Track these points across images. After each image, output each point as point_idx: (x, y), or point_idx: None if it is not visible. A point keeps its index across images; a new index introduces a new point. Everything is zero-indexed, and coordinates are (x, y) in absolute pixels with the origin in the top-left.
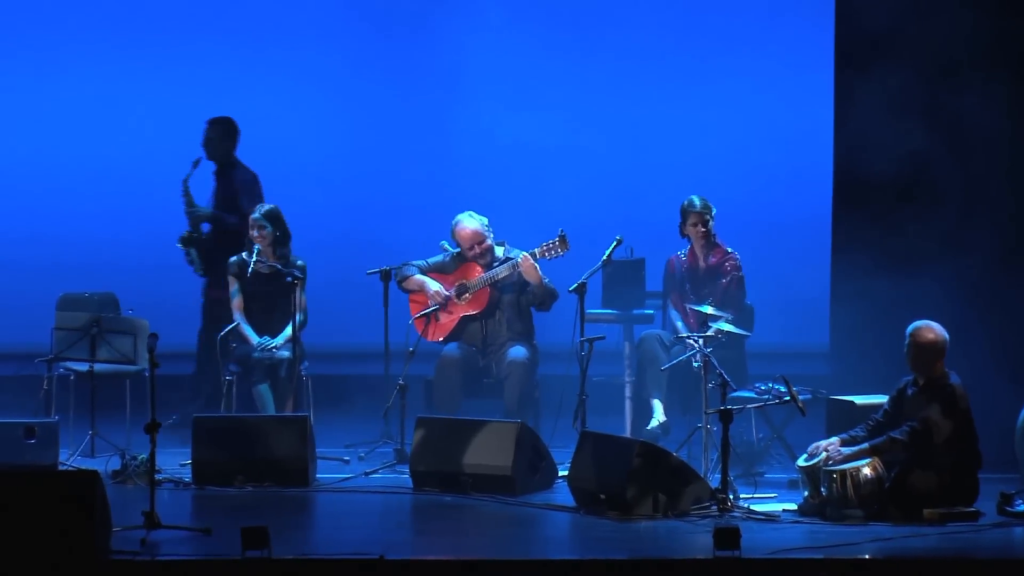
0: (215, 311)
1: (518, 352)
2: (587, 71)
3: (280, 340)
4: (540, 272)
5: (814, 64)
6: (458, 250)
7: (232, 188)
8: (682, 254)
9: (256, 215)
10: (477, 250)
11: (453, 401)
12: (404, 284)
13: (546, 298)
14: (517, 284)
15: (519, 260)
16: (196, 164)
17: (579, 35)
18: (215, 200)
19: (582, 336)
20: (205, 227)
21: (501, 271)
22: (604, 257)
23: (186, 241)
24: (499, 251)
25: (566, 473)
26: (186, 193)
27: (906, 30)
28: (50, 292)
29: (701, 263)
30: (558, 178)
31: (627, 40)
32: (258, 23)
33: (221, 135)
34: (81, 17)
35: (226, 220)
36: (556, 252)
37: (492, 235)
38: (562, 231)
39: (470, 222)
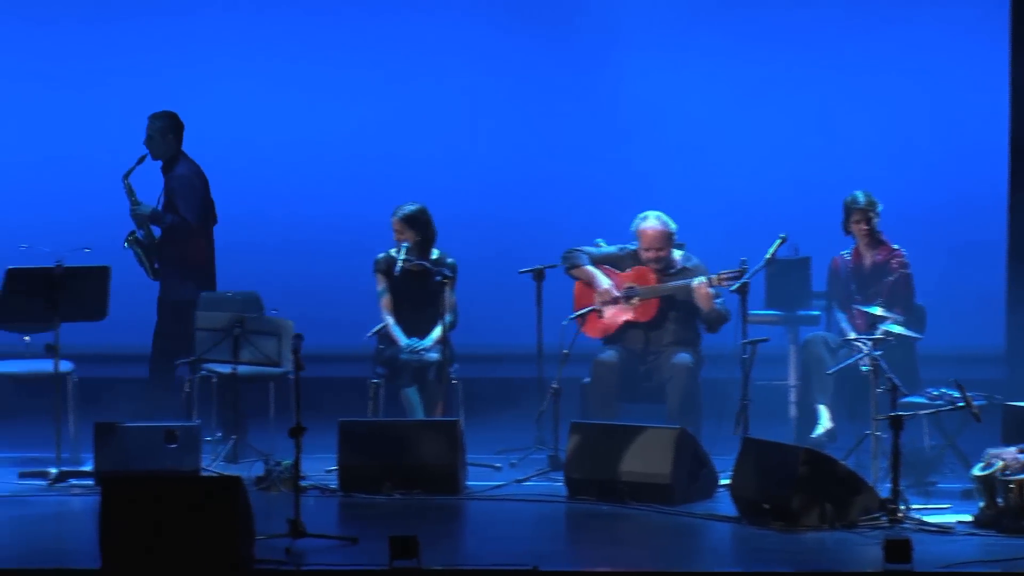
0: (165, 314)
1: (682, 357)
2: (749, 62)
3: (429, 342)
4: (713, 301)
5: (985, 37)
6: (633, 247)
7: (171, 185)
8: (846, 253)
9: (394, 217)
10: (653, 254)
11: (610, 407)
12: (573, 272)
13: (715, 323)
14: (690, 303)
15: (694, 285)
16: (141, 160)
17: (740, 26)
18: (163, 198)
19: (744, 338)
20: (156, 227)
21: (674, 286)
22: (767, 255)
23: (131, 242)
24: (677, 254)
25: (728, 481)
26: (128, 191)
27: None
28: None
29: (866, 261)
30: (721, 173)
31: (788, 29)
32: (414, 17)
33: (160, 131)
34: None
35: (164, 220)
36: (734, 284)
37: (674, 241)
38: (744, 262)
39: (657, 223)
